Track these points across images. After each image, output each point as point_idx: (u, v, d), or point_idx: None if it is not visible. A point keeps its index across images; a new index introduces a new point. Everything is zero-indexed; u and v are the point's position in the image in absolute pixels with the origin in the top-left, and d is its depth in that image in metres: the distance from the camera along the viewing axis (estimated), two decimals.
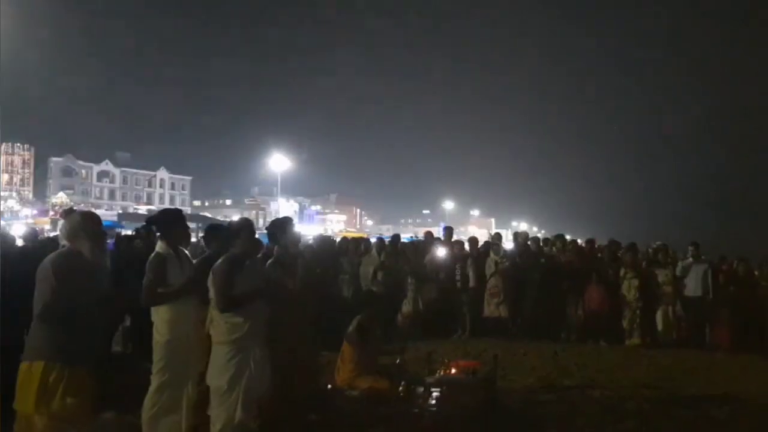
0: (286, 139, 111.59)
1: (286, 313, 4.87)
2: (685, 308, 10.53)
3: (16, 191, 79.82)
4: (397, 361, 6.44)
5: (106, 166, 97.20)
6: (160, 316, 4.48)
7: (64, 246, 3.85)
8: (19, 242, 9.17)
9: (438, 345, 8.95)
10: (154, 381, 4.43)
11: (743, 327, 10.15)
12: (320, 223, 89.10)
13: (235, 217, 6.86)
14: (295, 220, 6.09)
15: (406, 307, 10.55)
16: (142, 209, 69.81)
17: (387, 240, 12.01)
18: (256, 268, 4.74)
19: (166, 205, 76.19)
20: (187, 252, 4.88)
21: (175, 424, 4.46)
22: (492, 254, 11.16)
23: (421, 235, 15.82)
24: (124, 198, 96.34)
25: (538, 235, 20.07)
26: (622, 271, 10.65)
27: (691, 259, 10.75)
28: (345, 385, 6.00)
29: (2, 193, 67.96)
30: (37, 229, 16.58)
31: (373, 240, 12.26)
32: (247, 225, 4.74)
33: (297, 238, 5.71)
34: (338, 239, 14.28)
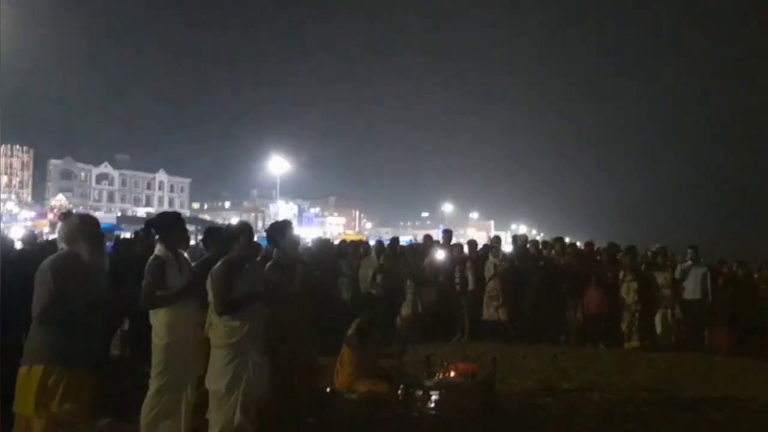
0: (285, 141, 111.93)
1: (286, 316, 4.87)
2: (684, 311, 10.54)
3: (15, 193, 79.76)
4: (396, 363, 6.44)
5: (105, 168, 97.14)
6: (159, 319, 4.47)
7: (62, 249, 3.84)
8: (18, 245, 9.16)
9: (437, 348, 8.94)
10: (153, 384, 4.42)
11: (742, 330, 10.16)
12: (319, 226, 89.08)
13: (234, 220, 6.86)
14: (294, 223, 6.09)
15: (405, 310, 10.54)
16: (141, 212, 69.79)
17: (386, 243, 12.01)
18: (255, 271, 4.74)
19: (165, 208, 76.23)
20: (186, 255, 4.88)
21: (173, 427, 4.44)
22: (491, 257, 11.15)
23: (420, 238, 15.82)
24: (123, 200, 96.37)
25: (537, 237, 20.06)
26: (621, 274, 10.65)
27: (690, 262, 10.75)
28: (344, 388, 6.00)
29: (1, 196, 67.86)
30: (36, 231, 16.59)
31: (372, 243, 12.26)
32: (245, 228, 4.74)
33: (296, 241, 5.71)
34: (337, 242, 14.29)
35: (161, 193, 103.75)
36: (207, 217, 71.98)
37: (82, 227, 3.82)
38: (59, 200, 66.07)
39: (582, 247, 12.84)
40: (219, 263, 4.44)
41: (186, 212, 79.58)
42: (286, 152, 64.39)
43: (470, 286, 10.93)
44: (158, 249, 4.58)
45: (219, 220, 53.16)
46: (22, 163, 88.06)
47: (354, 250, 11.54)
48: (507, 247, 14.19)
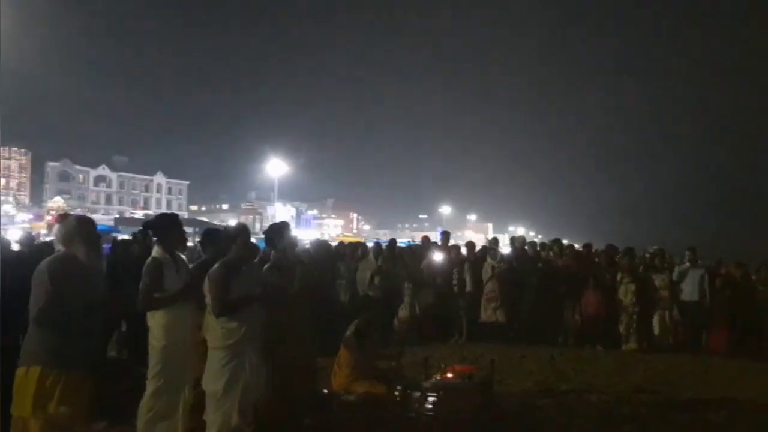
0: (284, 143, 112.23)
1: (284, 317, 4.87)
2: (682, 313, 10.55)
3: (13, 196, 79.72)
4: (393, 364, 6.44)
5: (103, 170, 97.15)
6: (156, 321, 4.47)
7: (59, 250, 3.84)
8: (15, 247, 9.14)
9: (435, 349, 8.94)
10: (150, 386, 4.41)
11: (740, 331, 10.16)
12: (317, 228, 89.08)
13: (232, 222, 6.85)
14: (292, 225, 6.09)
15: (403, 311, 10.55)
16: (139, 214, 69.61)
17: (384, 245, 12.01)
18: (253, 273, 4.74)
19: (163, 210, 76.10)
20: (183, 257, 4.88)
21: (170, 429, 4.44)
22: (489, 259, 11.15)
23: (418, 240, 15.83)
24: (120, 202, 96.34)
25: (535, 239, 20.07)
26: (619, 276, 10.66)
27: (687, 264, 10.75)
28: (341, 390, 6.00)
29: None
30: (33, 233, 16.56)
31: (370, 244, 12.25)
32: (242, 230, 4.74)
33: (294, 243, 5.71)
34: (335, 244, 14.27)
35: (159, 195, 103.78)
36: (205, 219, 71.87)
37: (79, 229, 3.83)
38: (57, 202, 65.98)
39: (580, 249, 12.85)
40: (216, 265, 4.44)
41: (184, 214, 79.58)
42: (284, 154, 64.41)
43: (468, 288, 10.93)
44: (156, 251, 4.58)
45: (217, 222, 53.09)
46: (20, 165, 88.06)
47: (352, 252, 11.53)
48: (505, 249, 14.18)
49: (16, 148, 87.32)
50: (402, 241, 19.15)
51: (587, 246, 12.76)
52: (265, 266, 5.17)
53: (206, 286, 4.36)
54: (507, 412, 6.18)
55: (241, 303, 4.36)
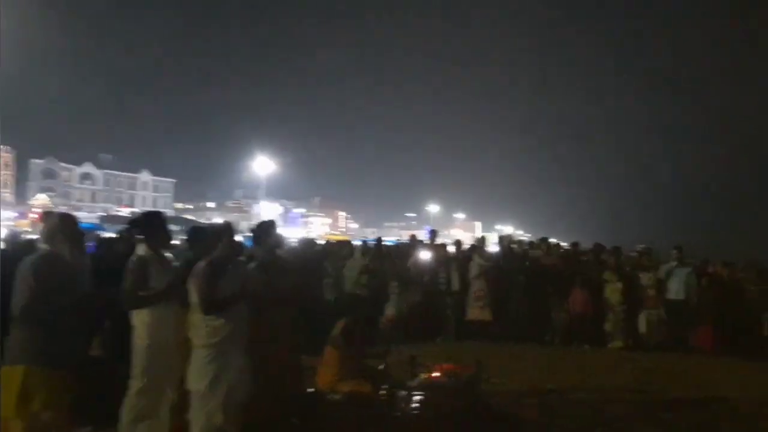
0: (271, 142, 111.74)
1: (269, 316, 4.85)
2: (669, 311, 10.58)
3: None
4: (381, 366, 6.41)
5: (88, 168, 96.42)
6: (140, 319, 4.42)
7: (43, 248, 3.81)
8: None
9: (421, 348, 8.91)
10: (133, 385, 4.37)
11: (726, 330, 10.21)
12: (304, 226, 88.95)
13: (218, 220, 6.81)
14: (279, 224, 6.06)
15: (390, 310, 10.53)
16: (124, 211, 69.18)
17: (371, 243, 12.00)
18: (238, 271, 4.71)
19: (149, 208, 75.64)
20: (169, 255, 4.84)
21: (153, 428, 4.40)
22: (476, 257, 11.16)
23: (405, 239, 15.83)
24: (106, 200, 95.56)
25: (523, 238, 20.13)
26: (606, 274, 10.70)
27: (674, 263, 10.80)
28: (327, 389, 5.96)
29: None
30: (18, 231, 16.40)
31: (357, 243, 12.24)
32: (228, 228, 4.71)
33: (280, 241, 5.68)
34: (322, 242, 14.26)
35: (145, 193, 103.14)
36: (191, 217, 71.55)
37: (62, 226, 3.81)
38: (41, 200, 65.46)
39: (567, 248, 12.89)
40: (202, 263, 4.40)
41: (170, 212, 79.12)
42: (272, 152, 64.33)
43: (455, 286, 10.94)
44: (141, 249, 4.54)
45: (203, 220, 52.88)
46: (5, 162, 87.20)
47: (338, 250, 11.51)
48: (493, 247, 14.21)
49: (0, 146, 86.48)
50: (389, 240, 19.16)
51: (574, 244, 12.81)
52: (251, 265, 5.15)
53: (192, 285, 4.32)
54: (494, 411, 6.17)
55: (228, 301, 4.32)
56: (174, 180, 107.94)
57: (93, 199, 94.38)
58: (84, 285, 3.95)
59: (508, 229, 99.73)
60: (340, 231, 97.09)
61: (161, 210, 6.39)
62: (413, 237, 13.16)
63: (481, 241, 12.44)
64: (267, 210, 69.35)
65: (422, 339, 10.11)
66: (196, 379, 4.26)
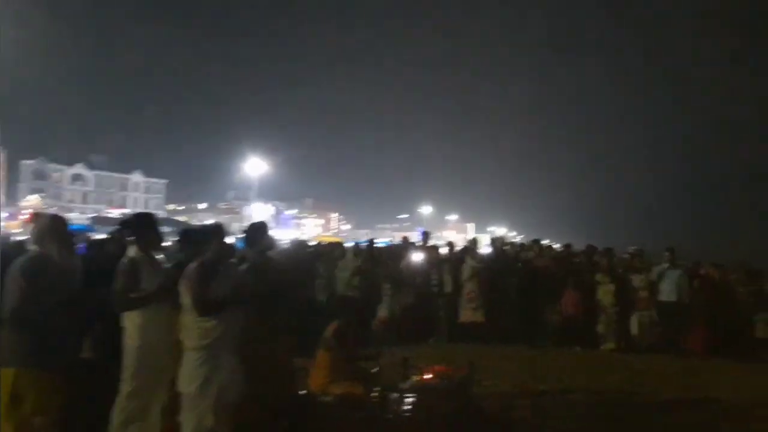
0: (263, 143, 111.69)
1: (261, 318, 4.83)
2: (660, 313, 10.59)
3: None
4: (374, 370, 6.40)
5: (80, 169, 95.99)
6: (131, 321, 4.40)
7: (33, 249, 3.80)
8: None
9: (414, 350, 8.89)
10: (124, 387, 4.34)
11: (718, 332, 10.24)
12: (296, 228, 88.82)
13: (209, 222, 6.78)
14: (271, 225, 6.05)
15: (382, 311, 10.53)
16: (116, 213, 68.93)
17: (363, 245, 11.99)
18: (230, 272, 4.69)
19: (140, 209, 75.37)
20: (160, 256, 4.81)
21: (144, 430, 4.38)
22: (469, 259, 11.16)
23: (398, 240, 15.84)
24: (97, 201, 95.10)
25: (515, 239, 20.17)
26: (598, 276, 10.71)
27: (666, 264, 10.82)
28: (319, 391, 5.94)
29: None
30: (8, 232, 16.33)
31: (349, 245, 12.23)
32: (219, 230, 4.68)
33: (272, 243, 5.67)
34: (314, 244, 14.23)
35: (136, 194, 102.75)
36: (182, 218, 71.34)
37: (51, 227, 3.80)
38: (31, 201, 65.11)
39: (560, 249, 12.91)
40: (194, 265, 4.37)
41: (161, 213, 78.86)
42: (263, 153, 64.19)
43: (447, 288, 10.93)
44: (132, 250, 4.52)
45: (195, 222, 52.73)
46: None
47: (331, 251, 11.49)
48: (486, 249, 14.22)
49: None
50: (382, 241, 19.14)
51: (567, 246, 12.83)
52: (243, 266, 5.13)
53: (184, 286, 4.30)
54: (486, 412, 6.17)
55: (223, 302, 4.30)
56: (166, 181, 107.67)
57: (84, 200, 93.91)
58: (74, 286, 3.93)
59: (500, 231, 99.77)
60: (333, 232, 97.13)
61: (152, 211, 6.37)
62: (406, 238, 13.16)
63: (474, 243, 12.43)
64: (259, 211, 69.08)
65: (414, 341, 10.10)
66: (187, 381, 4.23)
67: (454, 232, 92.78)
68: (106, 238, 9.86)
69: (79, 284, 4.16)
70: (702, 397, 7.21)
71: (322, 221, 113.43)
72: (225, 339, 4.31)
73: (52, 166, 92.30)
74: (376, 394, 5.74)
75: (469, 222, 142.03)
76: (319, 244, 13.52)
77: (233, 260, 5.18)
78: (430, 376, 6.08)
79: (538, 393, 7.21)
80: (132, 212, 8.87)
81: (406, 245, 12.27)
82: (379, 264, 11.23)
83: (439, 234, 75.94)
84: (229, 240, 4.82)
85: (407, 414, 5.46)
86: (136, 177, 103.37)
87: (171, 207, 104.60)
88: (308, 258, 11.02)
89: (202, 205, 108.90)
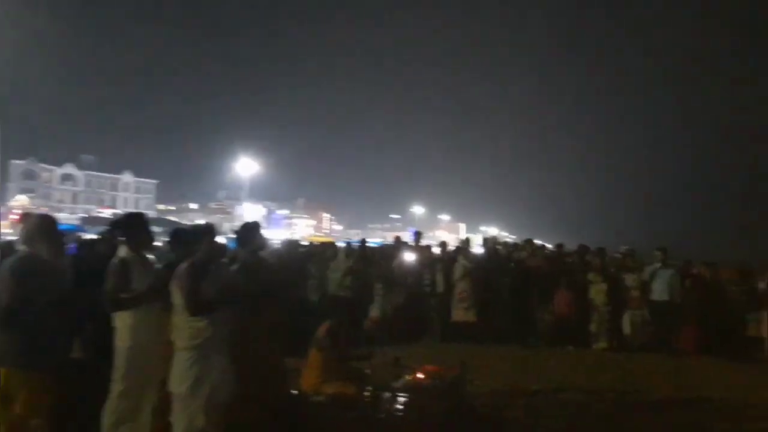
0: (254, 143, 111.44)
1: (253, 318, 4.81)
2: (653, 312, 10.62)
3: None
4: (367, 371, 6.39)
5: (70, 169, 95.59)
6: (122, 321, 4.38)
7: (22, 250, 3.78)
8: None
9: (406, 350, 8.89)
10: (115, 388, 4.32)
11: (710, 331, 10.27)
12: (287, 228, 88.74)
13: (200, 222, 6.75)
14: (262, 225, 6.02)
15: (374, 311, 10.52)
16: (106, 213, 68.68)
17: (355, 245, 11.98)
18: (221, 273, 4.66)
19: (131, 209, 75.12)
20: (151, 257, 4.79)
21: (135, 431, 4.35)
22: (461, 259, 11.16)
23: (390, 240, 15.84)
24: (87, 201, 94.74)
25: (508, 239, 20.22)
26: (590, 276, 10.73)
27: (658, 264, 10.84)
28: (311, 391, 5.93)
29: None
30: None
31: (340, 245, 12.21)
32: (210, 230, 4.66)
33: (263, 243, 5.65)
34: (306, 244, 14.21)
35: (127, 194, 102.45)
36: (173, 218, 71.17)
37: (40, 227, 3.78)
38: (20, 201, 64.82)
39: (552, 249, 12.93)
40: (185, 265, 4.34)
41: (152, 213, 78.63)
42: (255, 153, 64.17)
43: (440, 288, 10.93)
44: (123, 250, 4.49)
45: (185, 222, 52.61)
46: None
47: (322, 252, 11.47)
48: (478, 249, 14.23)
49: None
50: (374, 242, 19.14)
51: (559, 246, 12.86)
52: (234, 266, 5.11)
53: (175, 286, 4.27)
54: (478, 412, 6.17)
55: (214, 302, 4.28)
56: (156, 181, 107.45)
57: (74, 201, 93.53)
58: (64, 286, 3.92)
59: (492, 231, 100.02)
60: (324, 232, 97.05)
61: (143, 211, 6.34)
62: (398, 238, 13.17)
63: (466, 243, 12.44)
64: (250, 211, 69.08)
65: (407, 340, 10.09)
66: (178, 382, 4.21)
67: (446, 232, 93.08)
68: (97, 238, 9.83)
69: (70, 284, 4.15)
70: (694, 396, 7.23)
71: (313, 221, 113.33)
72: (216, 339, 4.28)
73: (42, 166, 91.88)
74: (368, 394, 5.74)
75: (461, 222, 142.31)
76: (310, 244, 13.49)
77: (224, 260, 5.15)
78: (423, 375, 6.07)
79: (531, 392, 7.21)
80: (122, 212, 8.85)
81: (398, 245, 12.26)
82: (371, 264, 11.21)
83: (431, 234, 76.14)
84: (220, 240, 4.80)
85: (399, 414, 5.45)
86: (127, 177, 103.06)
87: (161, 207, 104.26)
88: (300, 258, 10.99)
89: (193, 205, 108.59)
